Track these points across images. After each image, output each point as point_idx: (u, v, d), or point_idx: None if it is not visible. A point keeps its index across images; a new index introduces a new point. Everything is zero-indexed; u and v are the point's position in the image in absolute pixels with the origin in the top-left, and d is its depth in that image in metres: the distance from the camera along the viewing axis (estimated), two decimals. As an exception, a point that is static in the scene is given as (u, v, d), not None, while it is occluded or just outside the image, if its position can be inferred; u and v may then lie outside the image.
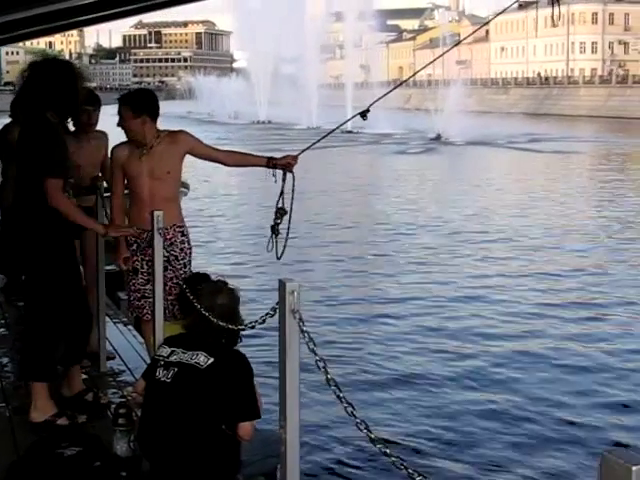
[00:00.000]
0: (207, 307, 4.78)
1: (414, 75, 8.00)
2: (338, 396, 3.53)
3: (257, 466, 5.30)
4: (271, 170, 6.56)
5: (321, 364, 3.60)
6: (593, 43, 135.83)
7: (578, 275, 17.02)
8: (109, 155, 7.12)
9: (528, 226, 23.04)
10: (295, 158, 6.59)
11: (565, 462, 8.52)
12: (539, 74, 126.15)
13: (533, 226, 23.09)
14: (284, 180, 6.46)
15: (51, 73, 6.06)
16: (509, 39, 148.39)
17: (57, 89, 5.98)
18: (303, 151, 6.61)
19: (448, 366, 11.43)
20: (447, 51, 8.91)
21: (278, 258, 6.24)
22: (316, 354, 3.61)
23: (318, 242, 20.64)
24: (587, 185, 34.43)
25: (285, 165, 6.54)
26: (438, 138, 58.99)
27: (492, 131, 59.77)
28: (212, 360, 4.63)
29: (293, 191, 6.32)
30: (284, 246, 6.31)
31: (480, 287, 15.95)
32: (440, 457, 8.53)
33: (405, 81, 7.23)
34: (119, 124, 6.72)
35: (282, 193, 6.37)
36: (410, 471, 3.04)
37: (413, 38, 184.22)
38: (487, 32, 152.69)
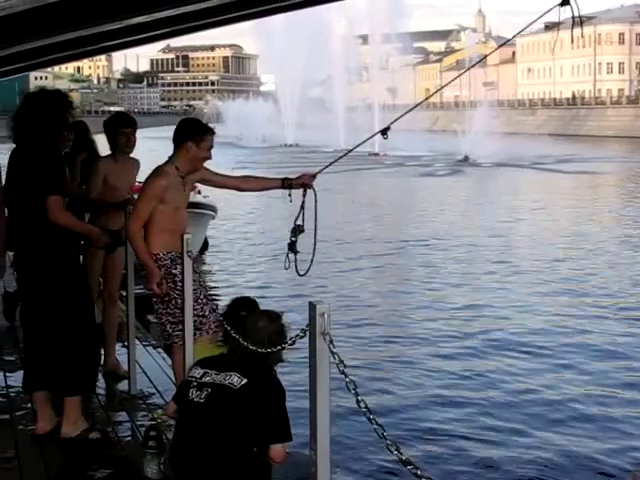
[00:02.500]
0: (241, 330, 4.80)
1: (431, 96, 7.96)
2: (369, 418, 3.52)
3: (287, 488, 5.28)
4: (287, 191, 6.49)
5: (351, 386, 3.59)
6: (620, 63, 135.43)
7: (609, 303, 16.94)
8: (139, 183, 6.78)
9: (565, 249, 22.95)
10: (312, 177, 6.50)
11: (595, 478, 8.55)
12: (573, 94, 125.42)
13: (568, 249, 22.98)
14: (304, 195, 6.39)
15: (40, 102, 6.17)
16: (536, 60, 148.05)
17: (45, 116, 6.08)
18: (321, 170, 6.51)
19: (479, 387, 11.36)
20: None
21: (301, 275, 6.17)
22: (347, 376, 3.60)
23: (344, 262, 20.65)
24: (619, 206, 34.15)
25: (301, 185, 6.48)
26: (466, 160, 58.85)
27: (520, 152, 59.69)
28: (246, 381, 4.62)
29: (316, 207, 6.26)
30: (310, 263, 6.20)
31: (510, 307, 15.88)
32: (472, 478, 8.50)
33: (427, 99, 7.15)
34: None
35: (303, 207, 6.26)
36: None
37: (440, 60, 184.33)
38: (514, 53, 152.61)
